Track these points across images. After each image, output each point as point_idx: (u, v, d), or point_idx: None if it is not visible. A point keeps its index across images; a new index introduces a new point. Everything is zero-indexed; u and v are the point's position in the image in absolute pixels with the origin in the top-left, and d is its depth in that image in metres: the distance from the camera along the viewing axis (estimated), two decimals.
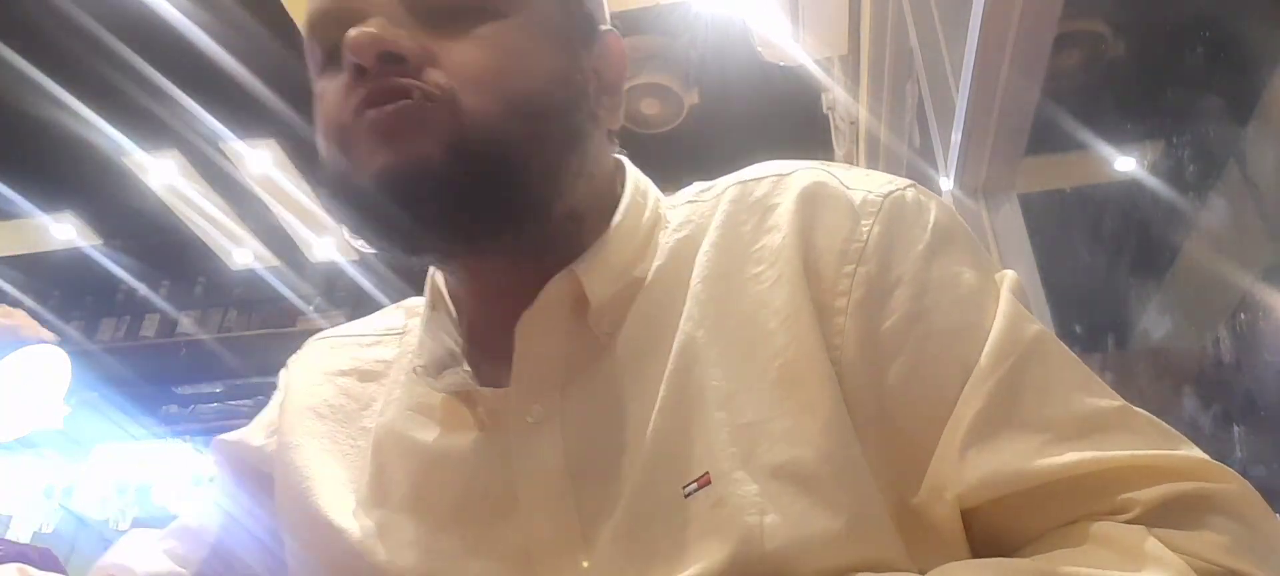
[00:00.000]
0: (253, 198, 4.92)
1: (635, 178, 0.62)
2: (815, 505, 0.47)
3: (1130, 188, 1.64)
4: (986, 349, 0.50)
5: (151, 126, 4.22)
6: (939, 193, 1.82)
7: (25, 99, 3.87)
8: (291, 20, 3.60)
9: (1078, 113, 1.61)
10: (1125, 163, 1.66)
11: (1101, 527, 0.45)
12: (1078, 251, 1.78)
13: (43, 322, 6.22)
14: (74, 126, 4.08)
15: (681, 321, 0.54)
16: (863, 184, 0.56)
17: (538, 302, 0.55)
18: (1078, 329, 1.67)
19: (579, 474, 0.52)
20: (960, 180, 1.66)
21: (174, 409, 5.41)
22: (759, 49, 2.93)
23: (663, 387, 0.52)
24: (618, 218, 0.58)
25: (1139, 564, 0.42)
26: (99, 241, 5.38)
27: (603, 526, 0.50)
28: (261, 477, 0.63)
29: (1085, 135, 1.64)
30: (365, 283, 5.34)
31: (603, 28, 0.61)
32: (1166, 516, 0.45)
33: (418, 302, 0.65)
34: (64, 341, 5.65)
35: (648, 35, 3.53)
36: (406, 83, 0.50)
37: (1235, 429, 1.27)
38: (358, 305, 5.83)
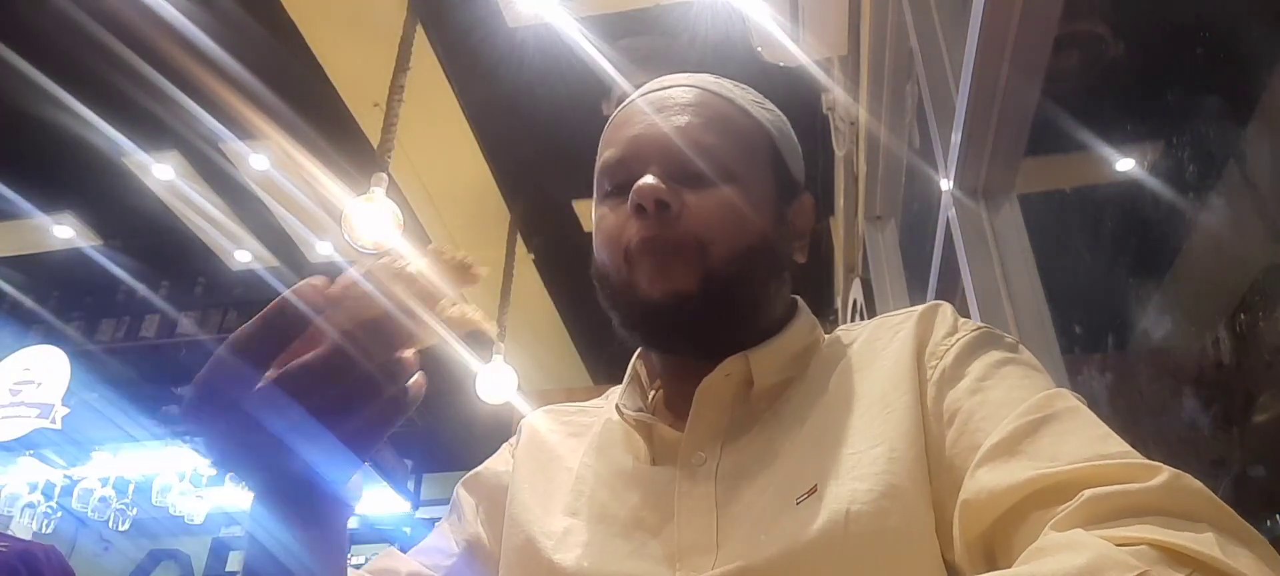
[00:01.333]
0: (253, 198, 4.92)
1: (805, 309, 0.82)
2: (893, 508, 0.61)
3: (1130, 188, 1.64)
4: (1021, 405, 0.61)
5: (151, 126, 4.22)
6: (939, 193, 1.83)
7: (25, 99, 3.87)
8: (292, 21, 3.60)
9: (1078, 113, 1.61)
10: (1125, 163, 1.66)
11: (1049, 537, 0.50)
12: (1078, 252, 1.78)
13: (42, 323, 6.19)
14: (74, 126, 4.08)
15: (819, 400, 0.72)
16: (971, 321, 0.73)
17: (716, 372, 0.73)
18: (1078, 329, 1.67)
19: (723, 503, 0.68)
20: (960, 180, 1.66)
21: (174, 409, 5.41)
22: (759, 49, 2.93)
23: (794, 444, 0.69)
24: (789, 329, 0.77)
25: (1068, 554, 0.46)
26: (99, 241, 5.38)
27: (735, 534, 0.66)
28: (499, 498, 0.81)
29: (1085, 136, 1.64)
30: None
31: (802, 186, 0.83)
32: (1110, 515, 0.50)
33: (616, 389, 0.86)
34: (64, 341, 5.64)
35: (648, 35, 3.53)
36: (670, 236, 0.71)
37: (1235, 429, 1.27)
38: None
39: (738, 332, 0.74)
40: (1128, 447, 0.56)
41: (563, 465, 0.80)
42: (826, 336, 0.81)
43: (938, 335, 0.71)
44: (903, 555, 0.60)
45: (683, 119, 0.76)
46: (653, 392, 0.80)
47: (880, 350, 0.74)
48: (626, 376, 0.83)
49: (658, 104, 0.78)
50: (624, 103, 0.82)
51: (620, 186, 0.75)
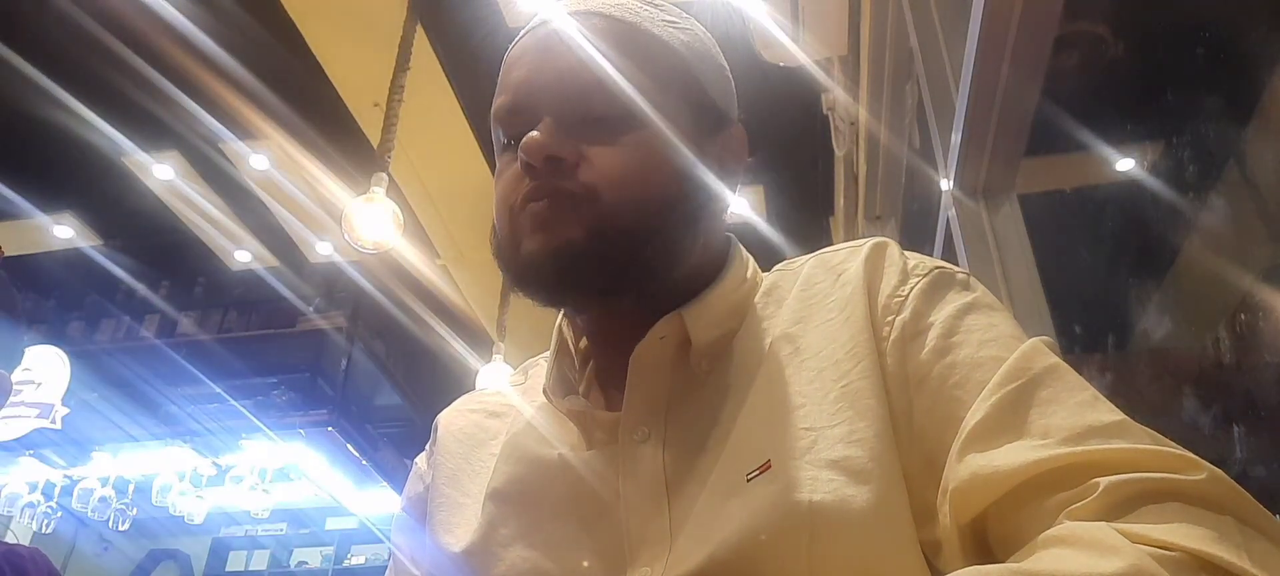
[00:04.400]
0: (253, 198, 4.92)
1: (741, 251, 0.74)
2: (858, 493, 0.55)
3: (1130, 188, 1.64)
4: (999, 372, 0.56)
5: (151, 126, 4.22)
6: (939, 193, 1.82)
7: (25, 99, 3.87)
8: (292, 21, 3.60)
9: (1078, 113, 1.61)
10: (1125, 163, 1.66)
11: (1069, 527, 0.47)
12: (1078, 252, 1.78)
13: (42, 323, 6.18)
14: (74, 126, 4.08)
15: (765, 359, 0.65)
16: (920, 258, 0.67)
17: (647, 337, 0.66)
18: (1078, 329, 1.67)
19: (673, 482, 0.62)
20: (960, 180, 1.66)
21: (174, 409, 5.41)
22: (759, 49, 2.93)
23: (743, 409, 0.63)
24: (722, 278, 0.70)
25: (1099, 555, 0.43)
26: (99, 241, 5.38)
27: (688, 520, 0.59)
28: (423, 503, 0.75)
29: (1085, 136, 1.64)
30: (365, 283, 5.34)
31: (731, 118, 0.73)
32: (1132, 507, 0.47)
33: (533, 362, 0.80)
34: (64, 341, 5.65)
35: None
36: (560, 186, 0.63)
37: (1235, 429, 1.27)
38: (358, 305, 5.84)
39: (650, 285, 0.66)
40: (1119, 413, 0.53)
41: (487, 450, 0.73)
42: (764, 277, 0.74)
43: (889, 284, 0.64)
44: (874, 543, 0.55)
45: (577, 56, 0.67)
46: (584, 369, 0.72)
47: (823, 295, 0.67)
48: (553, 345, 0.74)
49: (550, 39, 0.68)
50: (517, 37, 0.72)
51: (513, 137, 0.67)
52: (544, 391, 0.71)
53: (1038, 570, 0.44)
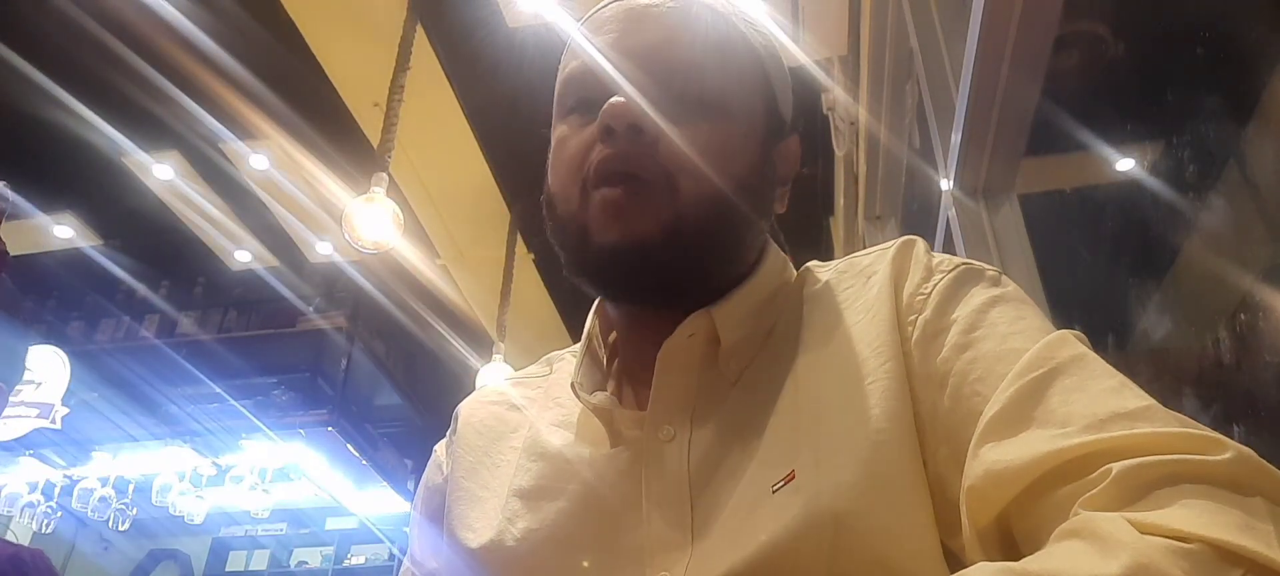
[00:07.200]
0: (253, 198, 4.92)
1: (775, 250, 0.73)
2: (882, 498, 0.55)
3: (1130, 188, 1.63)
4: (1020, 362, 0.54)
5: (151, 126, 4.22)
6: (939, 193, 1.82)
7: (25, 99, 3.87)
8: (292, 21, 3.60)
9: (1078, 113, 1.61)
10: (1125, 163, 1.66)
11: (1081, 520, 0.44)
12: (1078, 252, 1.78)
13: (42, 323, 6.18)
14: (74, 126, 4.08)
15: (793, 363, 0.64)
16: (946, 256, 0.66)
17: (676, 334, 0.64)
18: (1078, 329, 1.66)
19: (697, 484, 0.61)
20: (960, 180, 1.66)
21: (174, 409, 5.40)
22: None
23: (770, 414, 0.62)
24: (756, 275, 0.69)
25: (1100, 553, 0.40)
26: (99, 241, 5.38)
27: (711, 527, 0.58)
28: (441, 493, 0.74)
29: (1085, 136, 1.64)
30: (365, 283, 5.34)
31: (789, 126, 0.73)
32: (1147, 492, 0.44)
33: (557, 355, 0.79)
34: (64, 341, 5.65)
35: None
36: (638, 161, 0.62)
37: (1235, 429, 1.27)
38: (358, 305, 5.83)
39: (704, 284, 0.66)
40: (1147, 398, 0.50)
41: (507, 443, 0.72)
42: (796, 272, 0.73)
43: (913, 282, 0.63)
44: (895, 549, 0.54)
45: (668, 33, 0.66)
46: (611, 366, 0.71)
47: (854, 299, 0.66)
48: (583, 340, 0.73)
49: (639, 12, 0.67)
50: (596, 8, 0.71)
51: (587, 102, 0.66)
52: (572, 385, 0.70)
53: (1031, 571, 0.41)
